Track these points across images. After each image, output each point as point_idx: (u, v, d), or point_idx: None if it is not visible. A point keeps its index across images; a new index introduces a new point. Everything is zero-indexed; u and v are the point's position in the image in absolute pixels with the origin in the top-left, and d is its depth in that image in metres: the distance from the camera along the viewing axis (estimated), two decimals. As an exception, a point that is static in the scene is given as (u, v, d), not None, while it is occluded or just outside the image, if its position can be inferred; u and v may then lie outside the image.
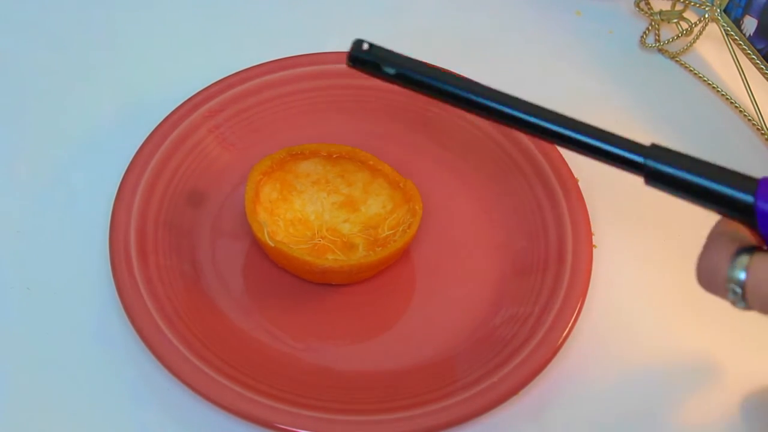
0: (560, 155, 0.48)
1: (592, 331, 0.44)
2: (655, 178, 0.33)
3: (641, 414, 0.43)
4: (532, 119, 0.35)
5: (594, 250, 0.45)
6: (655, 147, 0.33)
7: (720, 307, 0.35)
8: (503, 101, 0.35)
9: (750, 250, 0.32)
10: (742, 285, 0.31)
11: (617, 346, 0.45)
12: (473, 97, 0.35)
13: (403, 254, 0.45)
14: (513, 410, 0.42)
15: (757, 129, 0.54)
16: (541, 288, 0.44)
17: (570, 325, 0.42)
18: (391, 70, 0.35)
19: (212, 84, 0.50)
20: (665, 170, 0.32)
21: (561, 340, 0.41)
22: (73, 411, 0.41)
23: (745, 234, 0.32)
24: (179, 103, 0.48)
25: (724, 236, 0.32)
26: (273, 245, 0.42)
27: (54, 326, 0.43)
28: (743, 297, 0.31)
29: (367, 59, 0.35)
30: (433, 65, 0.36)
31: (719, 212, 0.32)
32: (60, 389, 0.41)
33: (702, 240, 0.35)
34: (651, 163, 0.33)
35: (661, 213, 0.49)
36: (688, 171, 0.32)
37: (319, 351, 0.43)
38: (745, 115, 0.54)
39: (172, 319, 0.41)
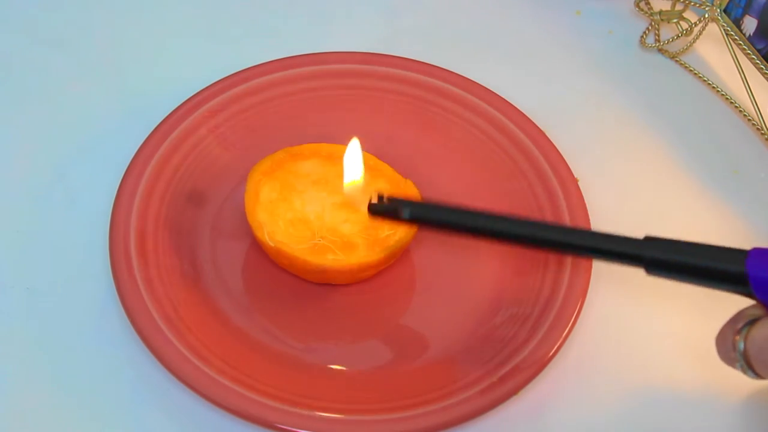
0: (560, 155, 0.48)
1: (592, 332, 0.44)
2: (655, 268, 0.35)
3: (641, 414, 0.43)
4: (536, 236, 0.38)
5: (594, 250, 0.45)
6: (648, 239, 0.35)
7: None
8: (503, 227, 0.38)
9: (754, 321, 0.33)
10: (743, 354, 0.33)
11: (617, 346, 0.45)
12: (470, 227, 0.38)
13: (404, 254, 0.45)
14: (513, 410, 0.42)
15: (757, 129, 0.54)
16: (541, 288, 0.44)
17: (570, 325, 0.42)
18: (406, 215, 0.39)
19: (212, 84, 0.50)
20: (662, 259, 0.35)
21: (561, 340, 0.41)
22: (73, 411, 0.41)
23: (760, 312, 0.33)
24: (179, 103, 0.48)
25: (741, 315, 0.34)
26: (273, 245, 0.42)
27: (54, 326, 0.43)
28: (749, 366, 0.33)
29: (385, 209, 0.39)
30: (444, 204, 0.40)
31: (722, 289, 0.34)
32: (60, 389, 0.41)
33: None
34: (648, 255, 0.35)
35: (661, 213, 0.49)
36: (683, 256, 0.34)
37: (319, 351, 0.43)
38: (745, 115, 0.54)
39: (172, 319, 0.41)
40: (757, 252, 0.33)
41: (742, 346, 0.33)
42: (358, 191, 0.44)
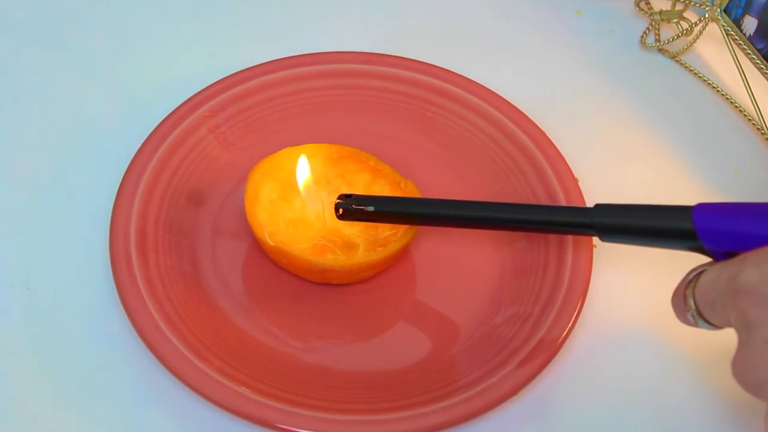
0: (560, 155, 0.48)
1: (592, 331, 0.44)
2: (607, 233, 0.37)
3: (641, 414, 0.43)
4: (493, 217, 0.41)
5: (594, 249, 0.45)
6: (598, 206, 0.37)
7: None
8: (461, 212, 0.42)
9: (702, 273, 0.34)
10: (694, 299, 0.34)
11: (617, 346, 0.45)
12: (430, 214, 0.42)
13: (404, 254, 0.45)
14: (513, 410, 0.42)
15: (757, 129, 0.54)
16: (541, 288, 0.44)
17: (570, 325, 0.42)
18: (371, 208, 0.42)
19: (212, 84, 0.50)
20: (612, 224, 0.37)
21: (561, 340, 0.41)
22: (73, 411, 0.41)
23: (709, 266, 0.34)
24: (179, 103, 0.48)
25: (691, 271, 0.35)
26: (273, 244, 0.42)
27: (54, 326, 0.43)
28: (700, 315, 0.34)
29: (350, 208, 0.42)
30: (401, 197, 0.44)
31: (674, 247, 0.35)
32: (60, 389, 0.41)
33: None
34: (598, 221, 0.37)
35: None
36: (631, 219, 0.36)
37: (319, 351, 0.43)
38: (745, 115, 0.54)
39: (172, 319, 0.41)
40: (702, 206, 0.34)
41: (691, 298, 0.34)
42: (312, 191, 0.46)
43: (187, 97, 0.49)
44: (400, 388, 0.41)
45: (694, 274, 0.34)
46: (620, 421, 0.42)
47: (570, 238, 0.45)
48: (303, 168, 0.46)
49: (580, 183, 0.47)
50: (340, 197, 0.43)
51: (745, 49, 0.53)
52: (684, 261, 0.35)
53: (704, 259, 0.35)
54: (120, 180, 0.45)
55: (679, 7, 0.57)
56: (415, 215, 0.42)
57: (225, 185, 0.48)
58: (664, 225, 0.35)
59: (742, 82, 0.53)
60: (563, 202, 0.46)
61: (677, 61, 0.57)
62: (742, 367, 0.31)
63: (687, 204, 0.34)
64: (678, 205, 0.35)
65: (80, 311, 0.44)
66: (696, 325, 0.34)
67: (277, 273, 0.45)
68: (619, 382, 0.43)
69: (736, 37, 0.53)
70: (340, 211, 0.42)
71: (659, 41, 0.57)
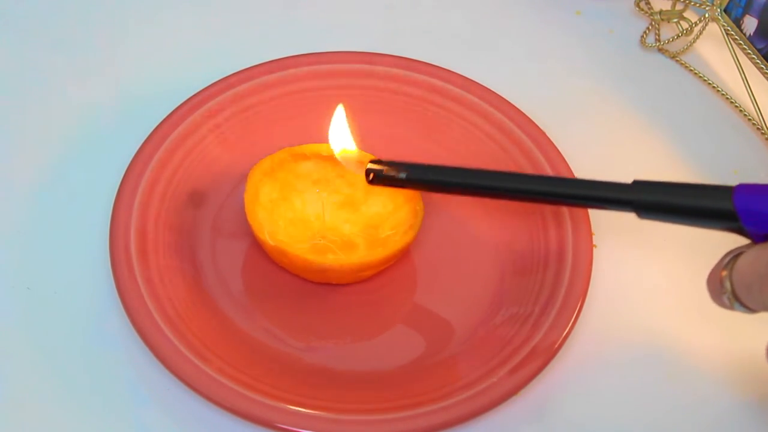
0: (560, 155, 0.48)
1: (592, 331, 0.44)
2: (646, 210, 0.36)
3: (641, 413, 0.43)
4: (528, 189, 0.40)
5: (594, 250, 0.45)
6: (637, 183, 0.36)
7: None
8: (496, 182, 0.40)
9: (739, 254, 0.33)
10: (731, 282, 0.33)
11: (617, 346, 0.45)
12: (464, 184, 0.41)
13: (404, 254, 0.45)
14: (513, 410, 0.42)
15: (757, 129, 0.54)
16: (541, 288, 0.44)
17: (570, 325, 0.42)
18: (403, 176, 0.41)
19: (212, 84, 0.50)
20: (652, 201, 0.36)
21: (561, 340, 0.41)
22: (73, 411, 0.41)
23: (746, 247, 0.33)
24: (179, 103, 0.48)
25: (728, 254, 0.34)
26: (274, 244, 0.42)
27: (54, 326, 0.43)
28: (736, 299, 0.33)
29: (382, 173, 0.41)
30: (434, 166, 0.42)
31: (713, 227, 0.34)
32: (60, 389, 0.41)
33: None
34: (637, 198, 0.36)
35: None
36: (672, 197, 0.35)
37: (319, 351, 0.43)
38: (745, 115, 0.54)
39: (172, 319, 0.41)
40: (743, 187, 0.33)
41: (728, 281, 0.33)
42: (353, 159, 0.45)
43: (187, 97, 0.49)
44: (400, 388, 0.41)
45: (731, 256, 0.34)
46: (620, 422, 0.42)
47: (570, 238, 0.45)
48: (341, 136, 0.45)
49: (580, 183, 0.47)
50: (372, 162, 0.41)
51: (745, 49, 0.53)
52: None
53: (741, 240, 0.34)
54: (120, 180, 0.45)
55: (679, 7, 0.57)
56: (447, 184, 0.41)
57: (225, 185, 0.48)
58: (704, 204, 0.34)
59: (742, 82, 0.53)
60: (563, 202, 0.46)
61: (677, 60, 0.57)
62: None
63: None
64: (719, 185, 0.34)
65: (80, 311, 0.44)
66: (731, 308, 0.34)
67: (277, 273, 0.45)
68: (619, 383, 0.43)
69: (736, 37, 0.53)
70: (371, 176, 0.41)
71: (659, 41, 0.57)
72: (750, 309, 0.33)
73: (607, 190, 0.38)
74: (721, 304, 0.34)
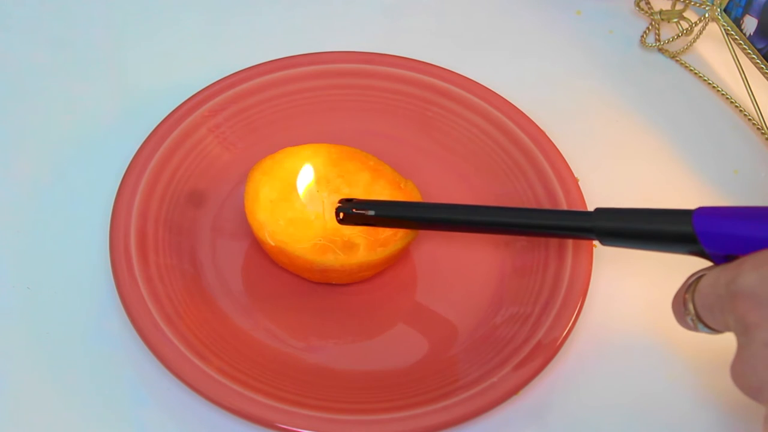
0: (560, 155, 0.48)
1: (592, 331, 0.44)
2: (607, 237, 0.37)
3: (641, 413, 0.43)
4: (494, 221, 0.41)
5: (594, 249, 0.45)
6: (598, 210, 0.37)
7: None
8: (461, 216, 0.41)
9: (701, 277, 0.33)
10: (693, 304, 0.33)
11: (617, 346, 0.45)
12: (430, 218, 0.42)
13: (404, 254, 0.45)
14: (513, 410, 0.42)
15: (757, 129, 0.54)
16: (541, 288, 0.44)
17: (570, 325, 0.42)
18: (371, 212, 0.42)
19: (212, 84, 0.50)
20: (612, 228, 0.36)
21: (561, 340, 0.41)
22: (73, 411, 0.41)
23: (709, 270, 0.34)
24: (179, 103, 0.48)
25: (691, 276, 0.35)
26: (274, 244, 0.42)
27: (54, 326, 0.43)
28: (698, 317, 0.33)
29: (352, 213, 0.42)
30: (401, 202, 0.44)
31: (675, 251, 0.35)
32: (60, 389, 0.41)
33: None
34: (598, 225, 0.37)
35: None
36: (632, 222, 0.36)
37: (319, 351, 0.43)
38: (745, 115, 0.54)
39: (172, 319, 0.41)
40: (702, 210, 0.33)
41: (690, 303, 0.34)
42: (312, 191, 0.46)
43: (187, 97, 0.49)
44: (400, 388, 0.41)
45: (694, 278, 0.34)
46: (620, 422, 0.42)
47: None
48: (305, 175, 0.46)
49: (580, 183, 0.47)
50: (340, 202, 0.43)
51: (745, 48, 0.53)
52: (684, 262, 0.35)
53: (705, 263, 0.34)
54: (120, 180, 0.45)
55: (679, 6, 0.57)
56: (415, 219, 0.42)
57: (225, 185, 0.48)
58: (664, 229, 0.34)
59: (742, 82, 0.53)
60: (563, 202, 0.46)
61: (677, 60, 0.57)
62: (741, 370, 0.31)
63: (686, 207, 0.34)
64: (678, 209, 0.34)
65: (80, 311, 0.44)
66: (696, 329, 0.34)
67: (277, 273, 0.45)
68: (619, 383, 0.43)
69: (736, 37, 0.53)
70: (341, 215, 0.42)
71: (659, 41, 0.57)
72: (713, 330, 0.33)
73: (569, 219, 0.39)
74: (686, 326, 0.35)
